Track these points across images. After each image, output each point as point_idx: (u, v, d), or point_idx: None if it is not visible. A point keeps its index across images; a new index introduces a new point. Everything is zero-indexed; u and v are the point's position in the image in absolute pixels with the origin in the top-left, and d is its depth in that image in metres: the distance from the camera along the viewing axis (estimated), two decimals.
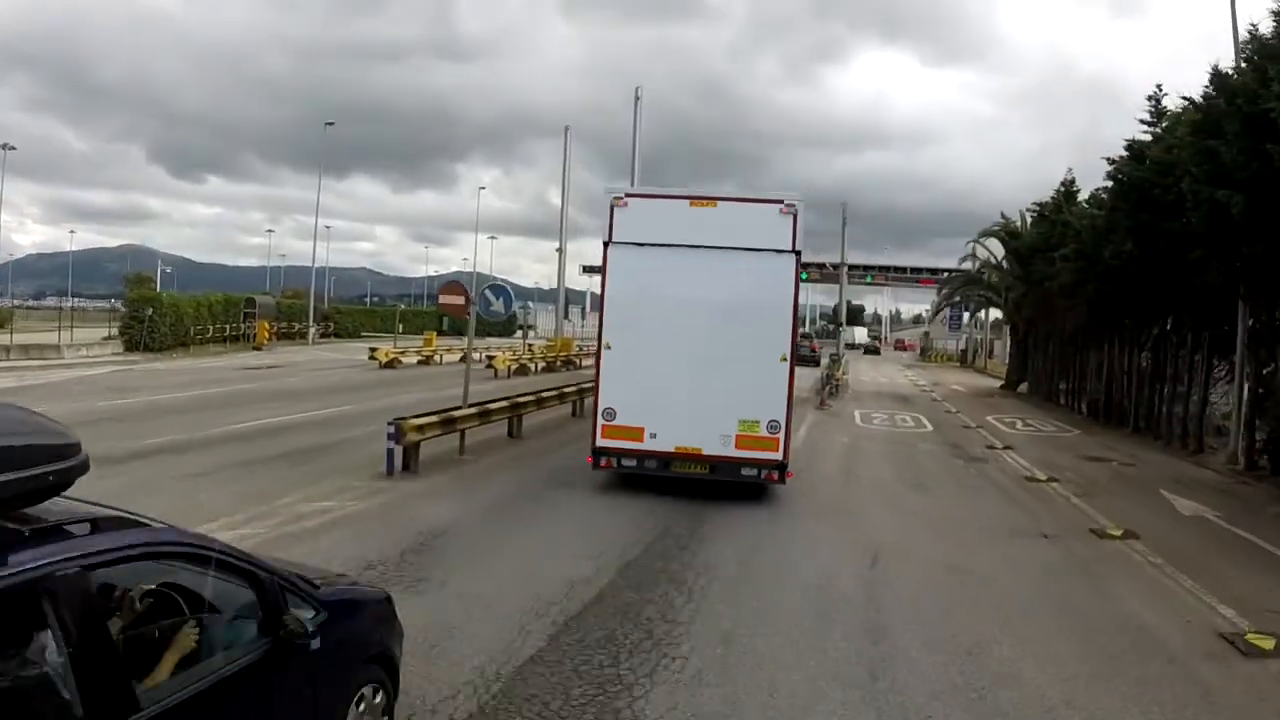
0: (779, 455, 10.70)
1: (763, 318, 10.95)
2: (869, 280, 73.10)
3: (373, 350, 34.17)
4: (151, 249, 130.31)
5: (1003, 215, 38.06)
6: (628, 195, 11.51)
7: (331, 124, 52.96)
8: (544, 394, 17.12)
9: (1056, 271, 24.83)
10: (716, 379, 10.81)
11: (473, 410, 13.74)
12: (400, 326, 50.54)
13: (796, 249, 11.11)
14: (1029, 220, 34.04)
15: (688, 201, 11.38)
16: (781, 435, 10.73)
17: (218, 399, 19.37)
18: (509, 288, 17.85)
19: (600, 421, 11.02)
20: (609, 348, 11.06)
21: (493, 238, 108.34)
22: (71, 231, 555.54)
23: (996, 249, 39.49)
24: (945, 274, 57.22)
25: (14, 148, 48.57)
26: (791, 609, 6.79)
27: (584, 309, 79.19)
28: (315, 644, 3.45)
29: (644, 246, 11.12)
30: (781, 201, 11.15)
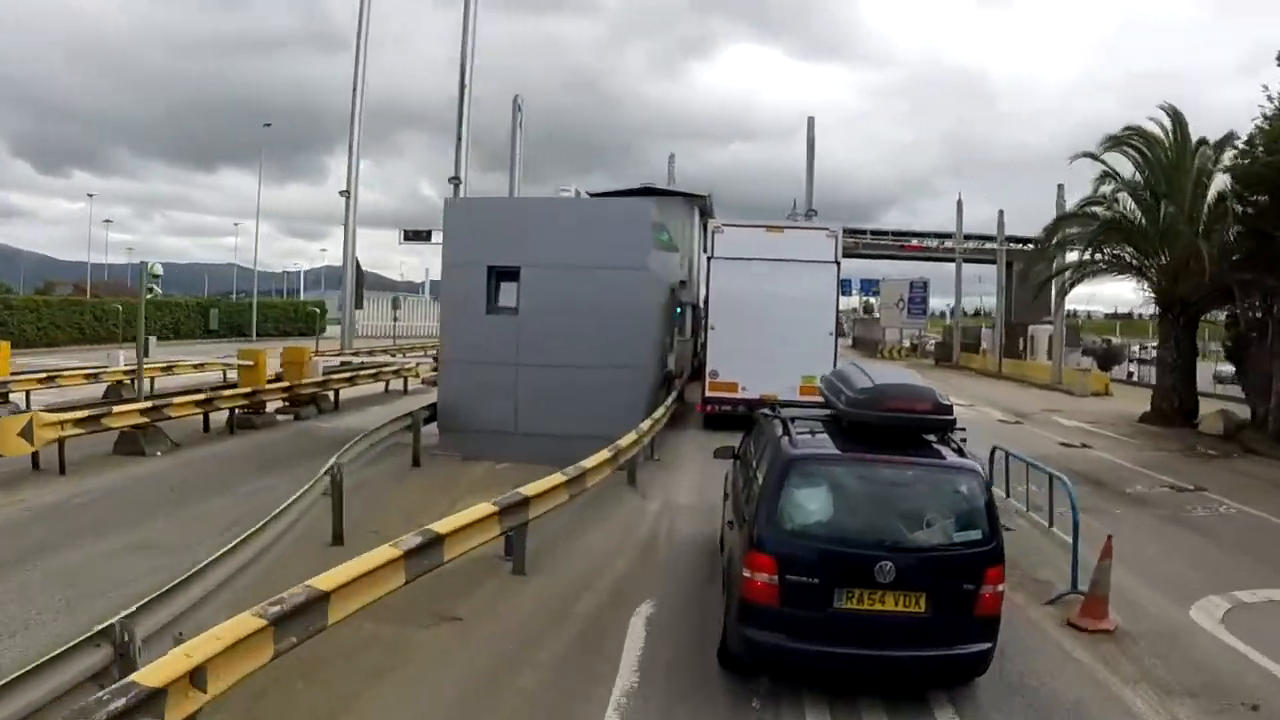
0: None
1: (815, 306, 16.60)
2: None
3: None
4: (16, 248, 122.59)
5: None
6: (725, 225, 17.62)
7: (269, 124, 49.75)
8: None
9: None
10: (785, 348, 15.92)
11: None
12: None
13: (837, 260, 17.06)
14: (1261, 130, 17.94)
15: (764, 229, 17.43)
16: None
17: None
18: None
19: (708, 380, 17.00)
20: (713, 328, 17.04)
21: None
22: None
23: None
24: (932, 240, 50.48)
25: None
26: None
27: (426, 295, 67.27)
28: None
29: (736, 260, 16.75)
30: (826, 229, 17.64)
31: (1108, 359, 43.37)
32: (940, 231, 52.63)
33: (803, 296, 16.63)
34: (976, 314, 63.17)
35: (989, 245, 52.91)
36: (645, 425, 12.84)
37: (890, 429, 5.79)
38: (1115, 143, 22.49)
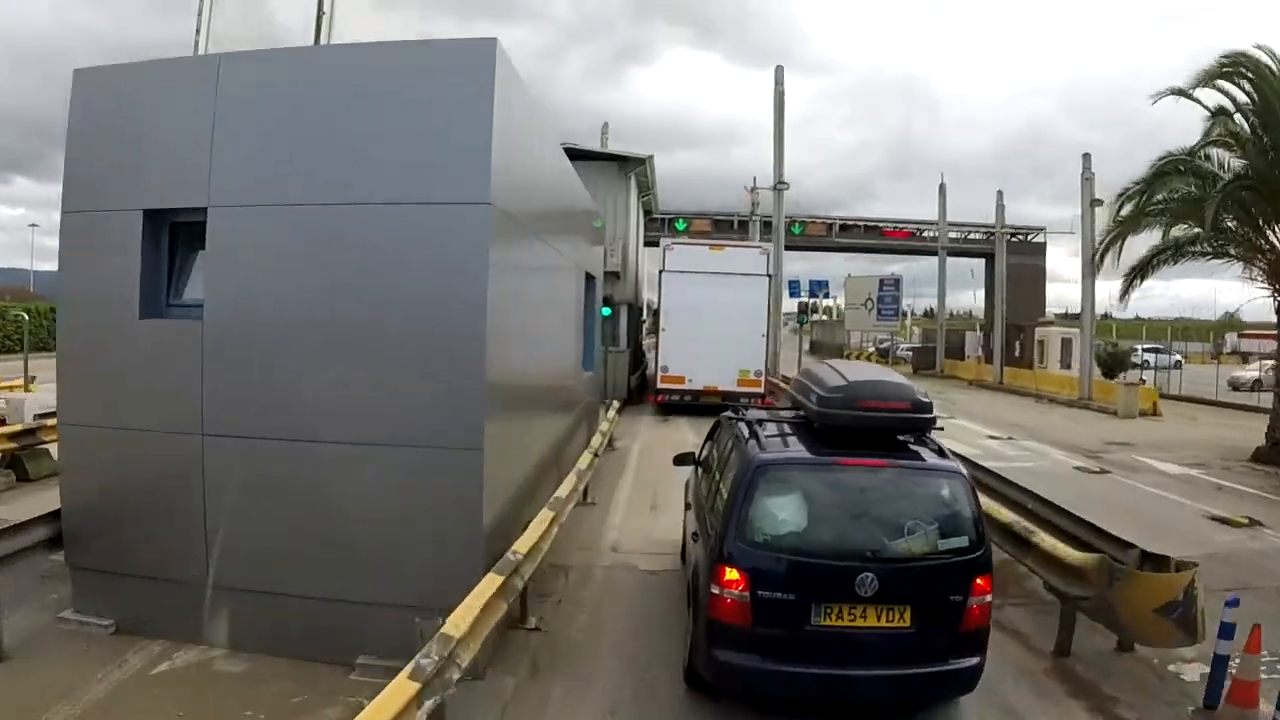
0: (762, 389, 19.47)
1: (750, 312, 19.78)
2: (796, 230, 42.09)
3: None
4: None
5: None
6: (675, 243, 21.23)
7: None
8: None
9: None
10: (725, 346, 19.29)
11: None
12: None
13: (769, 273, 20.95)
14: None
15: (708, 247, 21.76)
16: (763, 378, 19.84)
17: None
18: None
19: (660, 374, 20.00)
20: (664, 330, 20.01)
21: None
22: None
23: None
24: (918, 229, 43.22)
25: None
26: None
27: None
28: None
29: (684, 274, 19.90)
30: (760, 247, 22.68)
31: (1113, 364, 37.10)
32: (914, 220, 46.01)
33: (740, 303, 19.58)
34: (951, 315, 57.11)
35: (973, 236, 47.03)
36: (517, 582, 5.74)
37: (865, 430, 5.28)
38: (1221, 73, 15.60)
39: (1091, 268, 26.34)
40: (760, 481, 4.96)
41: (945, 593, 4.77)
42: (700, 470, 6.98)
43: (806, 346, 50.45)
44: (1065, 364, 33.30)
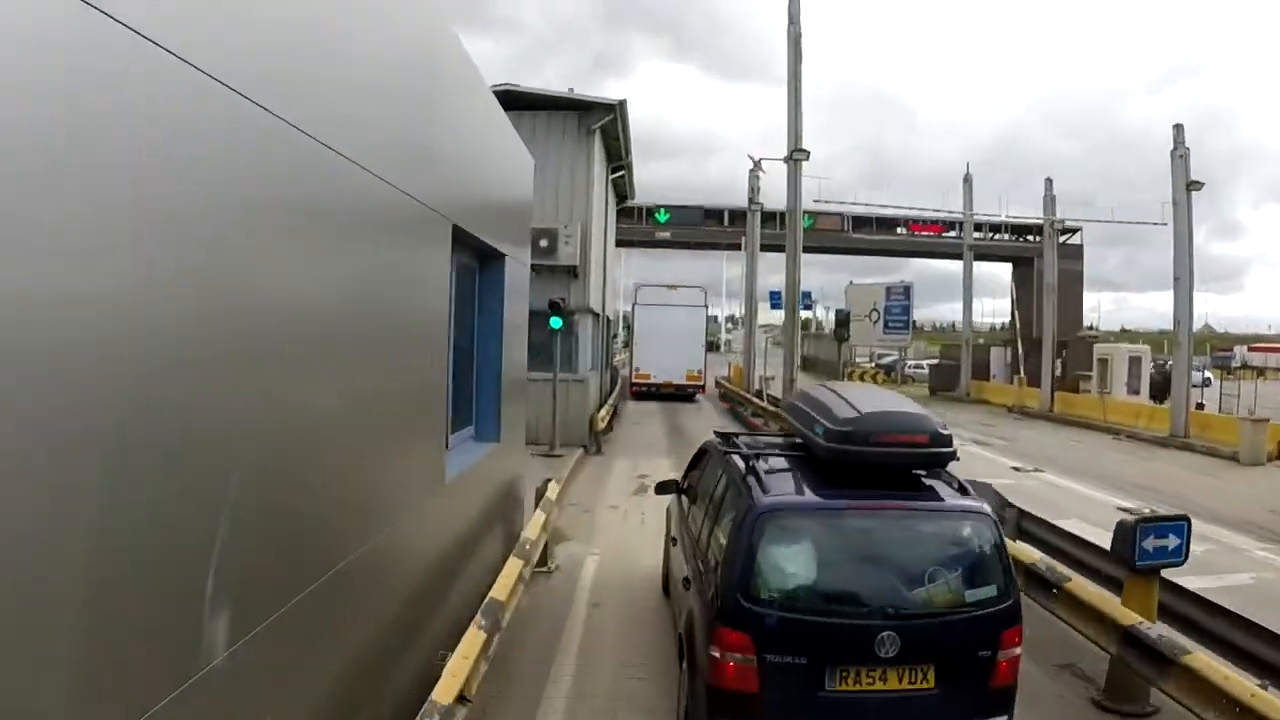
0: (702, 383, 28.88)
1: (693, 331, 28.36)
2: (807, 224, 29.51)
3: None
4: None
5: None
6: (643, 286, 29.99)
7: None
8: None
9: None
10: (678, 354, 27.61)
11: None
12: None
13: (704, 305, 30.33)
14: None
15: (666, 288, 29.32)
16: (702, 376, 28.60)
17: None
18: None
19: (634, 372, 28.57)
20: (638, 344, 28.81)
21: None
22: None
23: None
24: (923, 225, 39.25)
25: None
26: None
27: None
28: None
29: (650, 307, 28.38)
30: (700, 289, 30.32)
31: (1165, 387, 31.13)
32: (933, 217, 40.05)
33: (686, 326, 28.30)
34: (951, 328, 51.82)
35: (997, 238, 41.83)
36: None
37: (879, 467, 4.75)
38: None
39: (1189, 268, 20.84)
40: (765, 529, 4.36)
41: (972, 649, 4.32)
42: (683, 499, 6.50)
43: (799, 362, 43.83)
44: (1133, 388, 27.82)
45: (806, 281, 30.11)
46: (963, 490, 4.73)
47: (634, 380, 28.55)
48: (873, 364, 45.34)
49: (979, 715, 4.35)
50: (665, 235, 42.04)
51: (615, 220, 27.41)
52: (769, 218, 29.55)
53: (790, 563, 4.35)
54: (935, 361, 42.41)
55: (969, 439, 18.78)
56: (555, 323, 14.21)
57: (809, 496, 4.71)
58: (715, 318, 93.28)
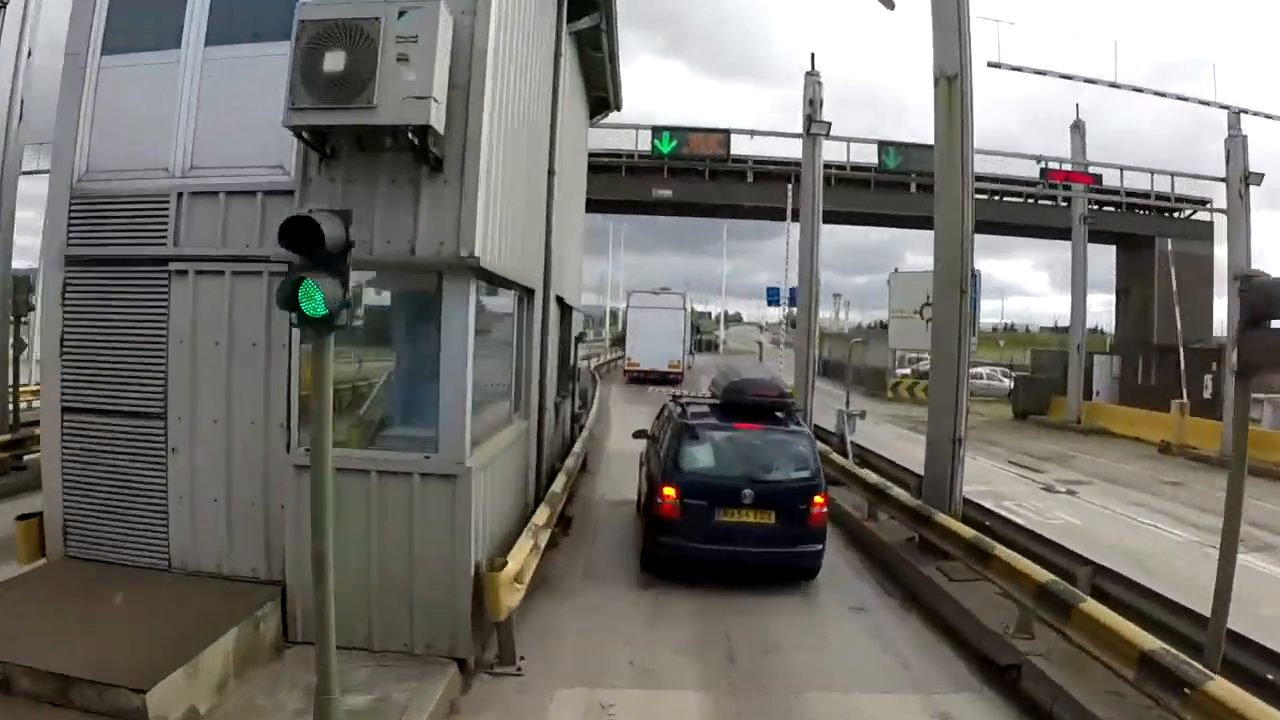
0: (682, 371, 36.40)
1: (675, 328, 37.29)
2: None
3: None
4: None
5: None
6: (634, 292, 40.84)
7: None
8: None
9: None
10: (661, 346, 36.31)
11: None
12: None
13: (684, 308, 39.83)
14: None
15: (651, 293, 39.17)
16: (682, 365, 37.07)
17: None
18: None
19: (626, 361, 39.00)
20: (631, 339, 38.84)
21: None
22: None
23: None
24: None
25: None
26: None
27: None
28: None
29: (641, 309, 37.98)
30: (681, 294, 40.39)
31: None
32: (1007, 175, 26.92)
33: (669, 325, 36.54)
34: (1017, 330, 44.32)
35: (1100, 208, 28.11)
36: None
37: (751, 408, 9.23)
38: None
39: None
40: (687, 435, 8.86)
41: (795, 503, 8.46)
42: (650, 440, 10.65)
43: (819, 368, 33.08)
44: None
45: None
46: (797, 424, 9.39)
47: (626, 368, 38.29)
48: (912, 372, 36.92)
49: (803, 542, 8.54)
50: (666, 193, 29.75)
51: (588, 139, 16.44)
52: (761, 177, 28.11)
53: (700, 452, 8.75)
54: (1023, 373, 34.32)
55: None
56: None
57: (710, 420, 9.21)
58: (709, 314, 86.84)
